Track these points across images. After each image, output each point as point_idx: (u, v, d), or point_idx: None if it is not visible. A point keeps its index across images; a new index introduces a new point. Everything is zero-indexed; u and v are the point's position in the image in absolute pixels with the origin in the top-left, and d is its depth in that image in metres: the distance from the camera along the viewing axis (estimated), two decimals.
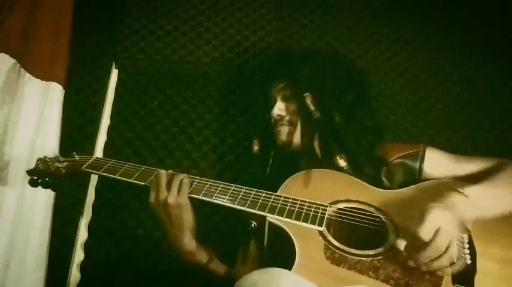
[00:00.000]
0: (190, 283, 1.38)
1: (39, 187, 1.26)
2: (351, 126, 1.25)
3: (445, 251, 0.90)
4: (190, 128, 1.64)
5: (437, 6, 1.93)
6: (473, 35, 1.87)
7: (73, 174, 1.28)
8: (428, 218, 0.92)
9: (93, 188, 1.54)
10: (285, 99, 1.33)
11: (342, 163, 1.18)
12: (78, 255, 1.46)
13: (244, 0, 1.87)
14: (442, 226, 0.90)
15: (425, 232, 0.90)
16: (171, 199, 1.08)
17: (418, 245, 0.91)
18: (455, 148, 1.65)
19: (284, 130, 1.30)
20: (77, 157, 1.29)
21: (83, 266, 1.43)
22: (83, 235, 1.49)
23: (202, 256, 1.14)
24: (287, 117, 1.30)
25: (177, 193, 1.09)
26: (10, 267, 1.31)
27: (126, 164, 1.23)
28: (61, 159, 1.28)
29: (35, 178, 1.26)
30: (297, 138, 1.28)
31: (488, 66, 1.81)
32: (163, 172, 1.13)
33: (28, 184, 1.26)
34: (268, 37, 1.81)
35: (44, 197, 1.42)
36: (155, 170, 1.18)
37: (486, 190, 1.04)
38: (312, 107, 1.24)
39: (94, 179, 1.55)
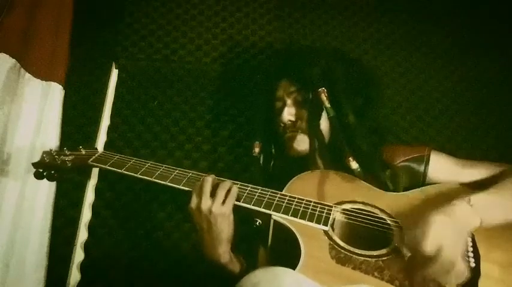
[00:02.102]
0: (190, 283, 1.39)
1: (45, 179, 1.26)
2: (363, 127, 1.24)
3: (452, 268, 0.85)
4: (190, 128, 1.64)
5: (437, 6, 1.93)
6: (473, 35, 1.87)
7: (79, 168, 1.28)
8: (432, 232, 0.87)
9: (93, 188, 1.54)
10: (295, 103, 1.29)
11: (354, 164, 1.17)
12: (78, 255, 1.46)
13: (244, 0, 1.87)
14: (446, 241, 0.86)
15: (429, 247, 0.85)
16: (216, 208, 1.03)
17: (422, 260, 0.87)
18: (456, 148, 1.65)
19: (296, 137, 1.25)
20: (83, 151, 1.30)
21: (83, 266, 1.43)
22: (83, 235, 1.49)
23: (235, 267, 1.09)
24: (298, 123, 1.27)
25: (222, 203, 1.04)
26: (10, 267, 1.31)
27: (132, 159, 1.23)
28: (67, 152, 1.28)
29: (41, 170, 1.26)
30: (305, 144, 1.24)
31: (488, 66, 1.81)
32: (208, 178, 1.08)
33: (33, 176, 1.26)
34: (268, 37, 1.81)
35: (44, 197, 1.42)
36: (161, 165, 1.18)
37: (492, 198, 1.02)
38: (327, 104, 1.22)
39: (94, 179, 1.55)
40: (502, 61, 1.81)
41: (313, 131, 1.23)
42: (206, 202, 1.04)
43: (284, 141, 1.29)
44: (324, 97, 1.22)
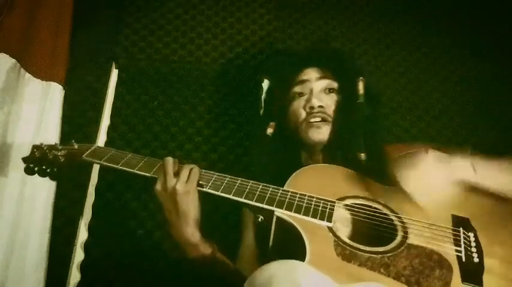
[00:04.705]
0: (190, 283, 1.38)
1: (36, 175, 1.21)
2: (379, 121, 1.28)
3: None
4: (190, 128, 1.64)
5: (437, 6, 1.93)
6: (473, 35, 1.87)
7: (73, 163, 1.22)
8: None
9: (93, 188, 1.54)
10: (327, 90, 1.29)
11: (363, 156, 1.18)
12: (78, 255, 1.46)
13: (244, 0, 1.87)
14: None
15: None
16: (180, 186, 1.04)
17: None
18: (456, 148, 1.65)
19: (320, 126, 1.25)
20: (76, 145, 1.23)
21: (83, 266, 1.43)
22: (83, 235, 1.49)
23: (206, 249, 1.09)
24: (328, 111, 1.26)
25: (186, 181, 1.06)
26: (10, 267, 1.31)
27: (129, 154, 1.18)
28: (59, 147, 1.23)
29: (31, 165, 1.20)
30: (326, 134, 1.25)
31: (488, 66, 1.81)
32: (169, 158, 1.09)
33: (24, 172, 1.21)
34: (268, 37, 1.82)
35: (44, 197, 1.42)
36: (159, 160, 1.15)
37: (492, 164, 1.05)
38: (361, 92, 1.24)
39: (94, 179, 1.55)
40: (502, 61, 1.81)
41: (351, 114, 1.24)
42: (170, 181, 1.05)
43: (305, 125, 1.27)
44: (361, 85, 1.25)
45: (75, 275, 1.43)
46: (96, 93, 1.68)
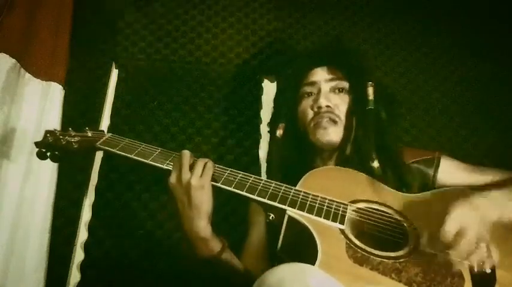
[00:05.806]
0: (190, 283, 1.39)
1: (48, 159, 1.21)
2: (392, 124, 1.26)
3: (473, 251, 0.90)
4: (190, 128, 1.64)
5: (437, 6, 1.93)
6: (473, 35, 1.87)
7: (85, 150, 1.22)
8: (451, 217, 0.91)
9: (93, 188, 1.54)
10: (333, 91, 1.28)
11: (376, 163, 1.16)
12: (78, 255, 1.46)
13: (244, 0, 1.87)
14: (466, 225, 0.90)
15: (450, 227, 0.90)
16: (194, 180, 1.03)
17: (442, 245, 0.91)
18: (456, 148, 1.65)
19: (330, 126, 1.23)
20: (89, 133, 1.23)
21: (83, 266, 1.43)
22: (83, 234, 1.49)
23: (216, 245, 1.06)
24: (336, 111, 1.25)
25: (201, 175, 1.05)
26: (10, 267, 1.31)
27: (142, 144, 1.17)
28: (72, 133, 1.22)
29: (43, 150, 1.20)
30: (334, 136, 1.23)
31: (488, 66, 1.81)
32: (186, 152, 1.08)
33: (36, 156, 1.20)
34: (268, 37, 1.81)
35: (44, 197, 1.42)
36: (172, 153, 1.14)
37: (506, 192, 1.03)
38: (371, 97, 1.23)
39: (94, 179, 1.55)
40: (501, 61, 1.81)
41: (361, 120, 1.23)
42: (186, 175, 1.04)
43: (312, 126, 1.26)
44: (370, 91, 1.24)
45: (75, 275, 1.43)
46: (96, 93, 1.68)
